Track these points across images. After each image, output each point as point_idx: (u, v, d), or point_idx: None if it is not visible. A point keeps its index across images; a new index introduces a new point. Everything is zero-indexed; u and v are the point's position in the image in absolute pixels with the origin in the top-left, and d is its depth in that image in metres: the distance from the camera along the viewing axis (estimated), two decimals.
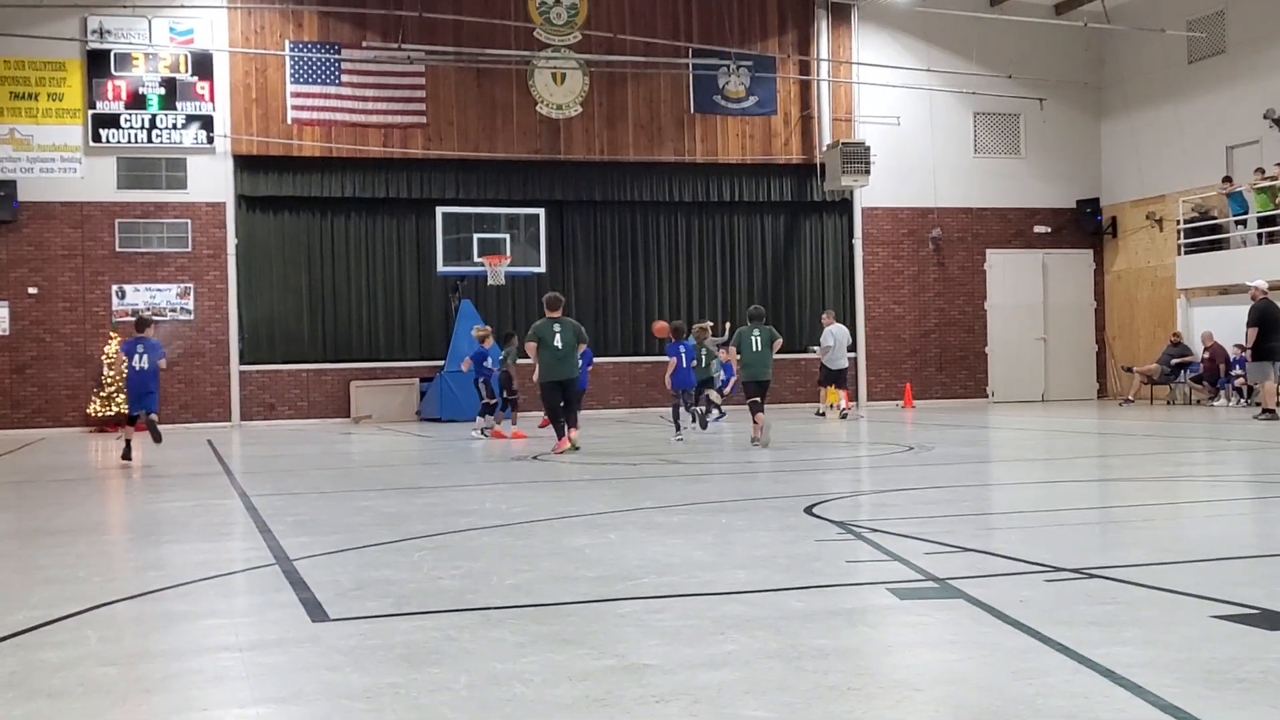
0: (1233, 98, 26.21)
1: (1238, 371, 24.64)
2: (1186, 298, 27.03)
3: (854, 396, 28.24)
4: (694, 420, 18.98)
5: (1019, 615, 5.17)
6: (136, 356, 15.53)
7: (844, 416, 22.92)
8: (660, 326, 21.28)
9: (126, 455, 15.58)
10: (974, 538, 7.57)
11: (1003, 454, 15.35)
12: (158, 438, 15.60)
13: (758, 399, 16.32)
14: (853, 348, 26.81)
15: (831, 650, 4.67)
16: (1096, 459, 14.06)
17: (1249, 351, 20.35)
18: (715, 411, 20.28)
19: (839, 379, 23.55)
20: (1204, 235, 26.40)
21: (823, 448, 16.31)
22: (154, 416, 15.58)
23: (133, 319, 18.45)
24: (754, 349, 16.44)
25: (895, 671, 4.46)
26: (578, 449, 15.50)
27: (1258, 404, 20.61)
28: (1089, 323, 30.21)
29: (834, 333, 23.61)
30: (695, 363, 18.59)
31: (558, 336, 15.60)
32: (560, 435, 15.75)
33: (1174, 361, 25.89)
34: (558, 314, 15.89)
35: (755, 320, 16.70)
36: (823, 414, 23.86)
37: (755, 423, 16.05)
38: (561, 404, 15.82)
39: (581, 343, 15.96)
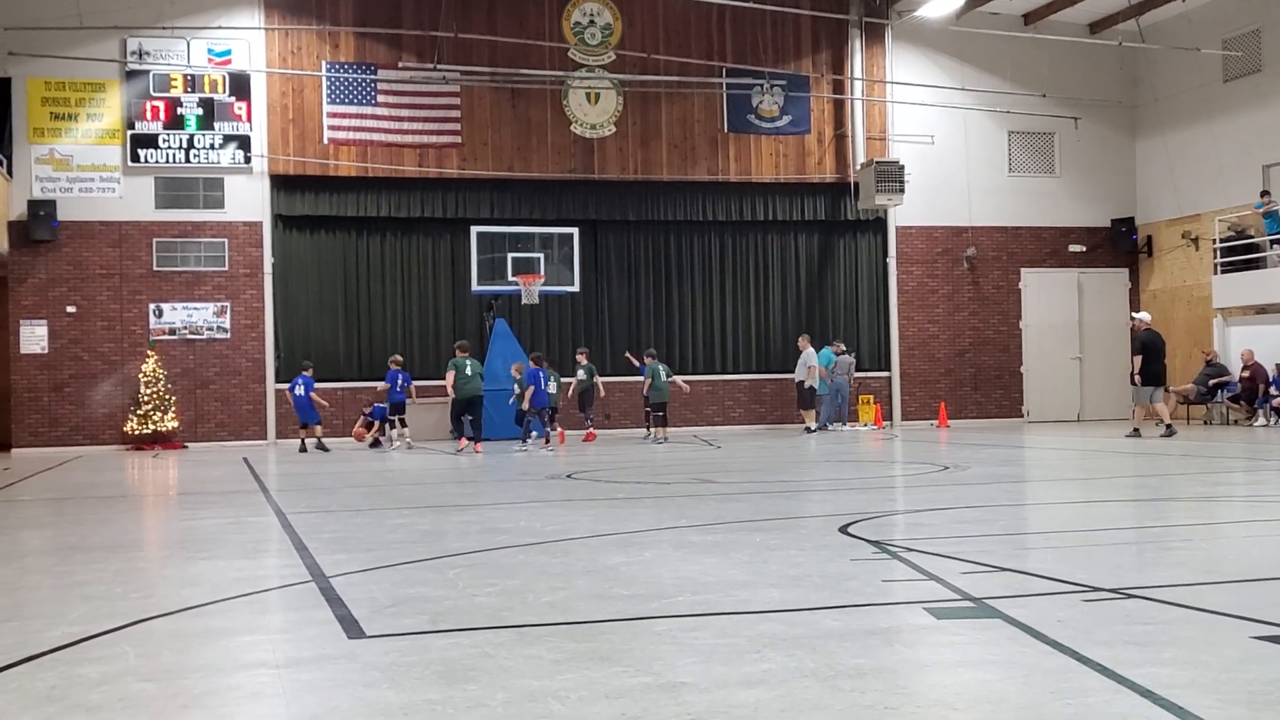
0: (1269, 116, 26.06)
1: (1275, 391, 24.46)
2: (1223, 317, 26.85)
3: (887, 415, 28.35)
4: (539, 435, 22.48)
5: (1057, 635, 5.14)
6: (397, 384, 23.02)
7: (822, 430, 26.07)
8: None
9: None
10: (1010, 557, 7.53)
11: (1038, 473, 15.27)
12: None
13: (661, 414, 23.57)
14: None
15: (868, 669, 4.66)
16: (1133, 479, 13.96)
17: (1136, 377, 21.57)
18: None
19: (815, 398, 26.45)
20: (1240, 254, 26.24)
21: (857, 467, 16.27)
22: (396, 419, 23.15)
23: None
24: (661, 379, 23.51)
25: (933, 691, 4.44)
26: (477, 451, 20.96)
27: None
28: (1124, 342, 29.97)
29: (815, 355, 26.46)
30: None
31: (468, 367, 21.58)
32: (459, 437, 21.93)
33: (1211, 381, 25.69)
34: (466, 354, 21.90)
35: (656, 359, 23.88)
36: (814, 430, 25.86)
37: (658, 427, 23.52)
38: (468, 417, 21.78)
39: (479, 375, 21.94)
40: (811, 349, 26.34)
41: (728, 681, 4.51)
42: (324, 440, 22.83)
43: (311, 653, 5.22)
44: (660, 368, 23.75)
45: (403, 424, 23.08)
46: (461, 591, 6.60)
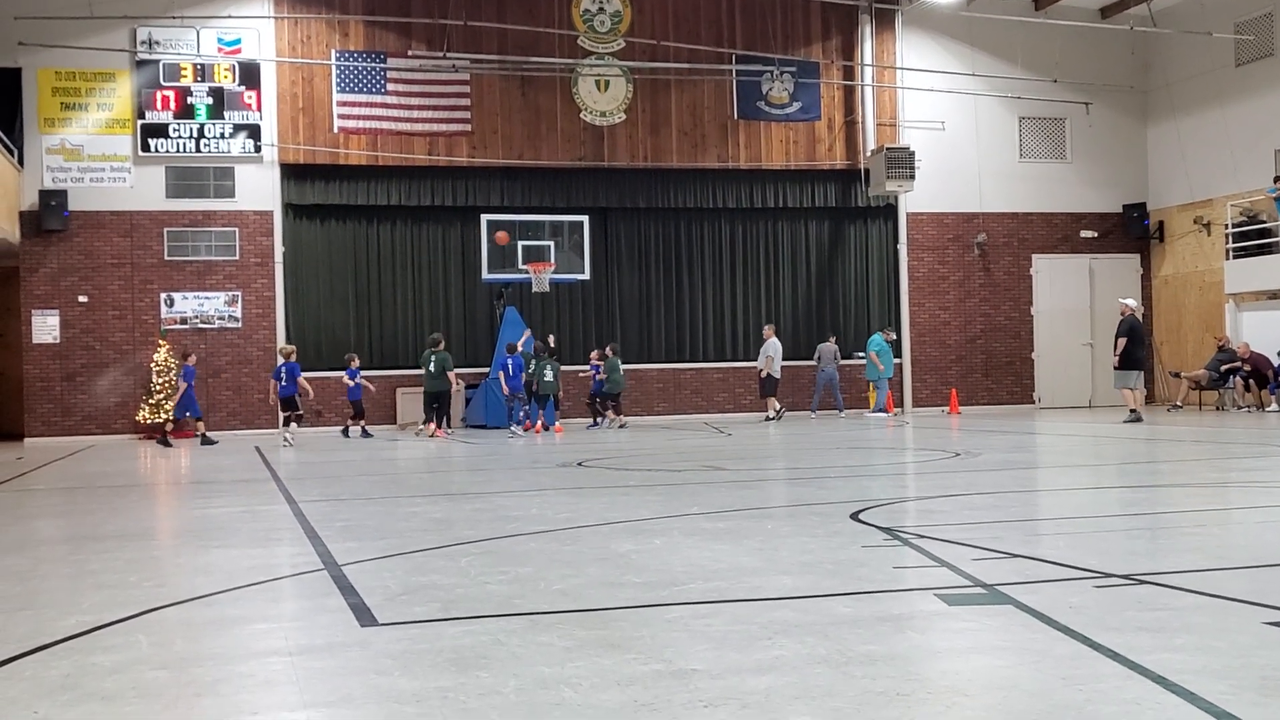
0: None
1: None
2: (1235, 302, 26.77)
3: (898, 402, 28.30)
4: (515, 424, 22.94)
5: (1069, 621, 5.13)
6: (280, 378, 21.36)
7: (779, 418, 25.95)
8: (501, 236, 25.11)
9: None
10: (1022, 544, 7.52)
11: (1050, 460, 15.25)
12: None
13: (615, 402, 24.64)
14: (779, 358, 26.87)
15: (880, 656, 4.66)
16: (1145, 464, 13.94)
17: (1117, 360, 22.14)
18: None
19: (775, 387, 26.37)
20: (1252, 239, 26.15)
21: (868, 454, 16.27)
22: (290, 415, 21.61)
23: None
24: (618, 372, 24.50)
25: (944, 677, 4.44)
26: (450, 433, 22.41)
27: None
28: None
29: (777, 345, 26.47)
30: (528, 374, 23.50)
31: (432, 363, 22.25)
32: (427, 422, 22.59)
33: (1224, 367, 25.60)
34: (435, 350, 22.39)
35: (616, 355, 24.72)
36: (771, 419, 25.99)
37: (618, 414, 24.58)
38: (435, 406, 22.50)
39: (448, 370, 22.43)
40: (775, 339, 26.50)
41: (739, 668, 4.51)
42: (208, 434, 22.70)
43: (324, 641, 5.24)
44: (618, 361, 24.76)
45: (287, 421, 21.37)
46: (473, 579, 6.61)
